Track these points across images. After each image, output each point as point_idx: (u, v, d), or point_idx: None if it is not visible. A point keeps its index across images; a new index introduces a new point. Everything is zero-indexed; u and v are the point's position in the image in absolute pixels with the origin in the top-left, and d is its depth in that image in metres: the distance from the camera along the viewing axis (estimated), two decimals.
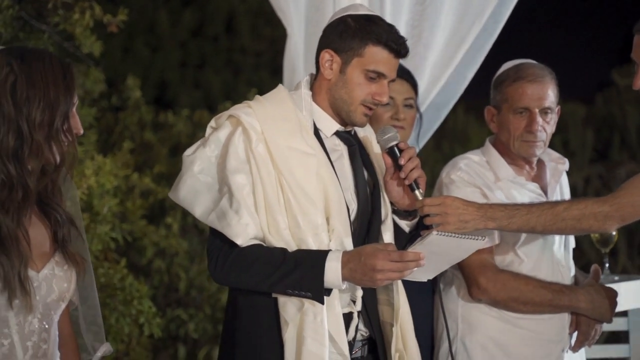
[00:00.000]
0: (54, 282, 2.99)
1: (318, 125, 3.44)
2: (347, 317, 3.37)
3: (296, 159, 3.32)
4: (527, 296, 3.88)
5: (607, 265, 4.27)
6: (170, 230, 6.72)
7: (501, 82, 4.03)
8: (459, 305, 3.98)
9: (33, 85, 2.90)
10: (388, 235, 3.46)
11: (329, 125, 3.46)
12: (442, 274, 3.94)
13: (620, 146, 10.20)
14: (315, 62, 3.48)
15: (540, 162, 4.10)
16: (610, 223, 3.62)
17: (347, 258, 3.23)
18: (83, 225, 3.16)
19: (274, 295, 3.32)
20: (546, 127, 3.98)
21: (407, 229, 3.53)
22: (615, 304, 3.96)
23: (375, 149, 3.55)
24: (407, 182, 3.42)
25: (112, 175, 5.52)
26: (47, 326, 3.00)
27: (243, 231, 3.28)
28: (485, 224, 3.56)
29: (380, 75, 3.39)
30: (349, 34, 3.39)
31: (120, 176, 5.82)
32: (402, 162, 3.40)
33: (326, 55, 3.43)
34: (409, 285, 3.53)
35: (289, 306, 3.29)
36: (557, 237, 4.00)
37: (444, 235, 3.30)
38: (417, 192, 3.42)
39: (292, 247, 3.29)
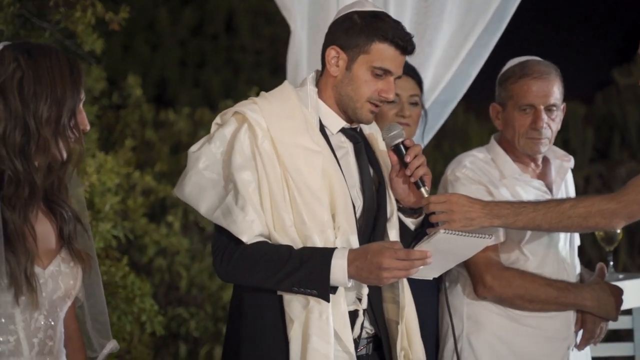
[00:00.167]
0: (60, 278, 2.99)
1: (324, 122, 3.43)
2: (353, 315, 3.36)
3: (302, 156, 3.31)
4: (533, 294, 3.87)
5: (611, 263, 4.26)
6: (172, 228, 6.71)
7: (506, 79, 4.02)
8: (465, 303, 3.97)
9: (40, 81, 2.90)
10: (393, 233, 3.46)
11: (335, 122, 3.45)
12: (447, 272, 3.93)
13: (620, 145, 10.20)
14: (321, 59, 3.47)
15: (546, 160, 4.09)
16: (617, 221, 3.61)
17: (353, 256, 3.22)
18: (89, 221, 3.14)
19: (279, 292, 3.31)
20: (551, 124, 3.97)
21: (412, 227, 3.52)
22: (620, 301, 3.95)
23: (380, 146, 3.54)
24: (412, 180, 3.41)
25: (113, 173, 5.52)
26: (53, 323, 2.99)
27: (248, 228, 3.27)
28: (491, 221, 3.56)
29: (386, 72, 3.38)
30: (355, 31, 3.38)
31: (121, 174, 5.81)
32: (407, 159, 3.39)
33: (332, 52, 3.41)
34: (414, 283, 3.52)
35: (294, 304, 3.28)
36: (562, 235, 3.99)
37: (451, 233, 3.29)
38: (422, 189, 3.41)
39: (297, 244, 3.28)
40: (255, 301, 3.35)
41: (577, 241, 4.11)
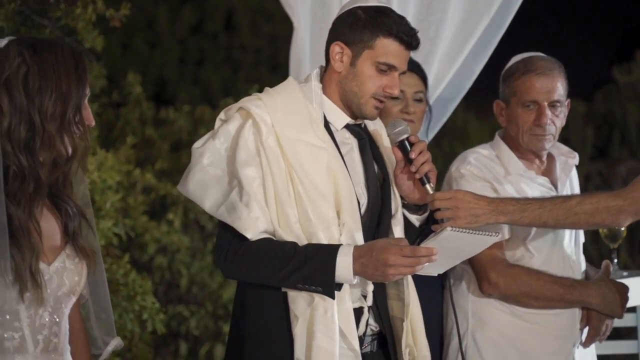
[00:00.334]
0: (64, 275, 2.97)
1: (328, 118, 3.42)
2: (358, 312, 3.36)
3: (307, 152, 3.30)
4: (539, 291, 3.86)
5: (615, 260, 4.25)
6: (172, 226, 6.69)
7: (510, 75, 4.01)
8: (469, 301, 3.96)
9: (45, 76, 2.88)
10: (398, 230, 3.44)
11: (339, 118, 3.43)
12: (451, 269, 3.92)
13: (620, 143, 10.19)
14: (325, 55, 3.46)
15: (550, 156, 4.08)
16: (624, 217, 3.60)
17: (358, 253, 3.21)
18: (93, 218, 3.13)
19: (283, 289, 3.29)
20: (555, 120, 3.96)
21: (417, 224, 3.51)
22: (626, 299, 3.94)
23: (385, 142, 3.53)
24: (417, 176, 3.40)
25: (114, 171, 5.50)
26: (57, 320, 2.97)
27: (253, 225, 3.25)
28: (497, 218, 3.55)
29: (391, 68, 3.36)
30: (359, 26, 3.37)
31: (122, 172, 5.80)
32: (412, 155, 3.38)
33: (336, 47, 3.40)
34: (418, 280, 3.51)
35: (299, 301, 3.27)
36: (567, 232, 3.98)
37: (457, 231, 3.28)
38: (427, 186, 3.40)
39: (302, 241, 3.26)
40: (259, 298, 3.34)
41: (582, 238, 4.10)
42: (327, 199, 3.28)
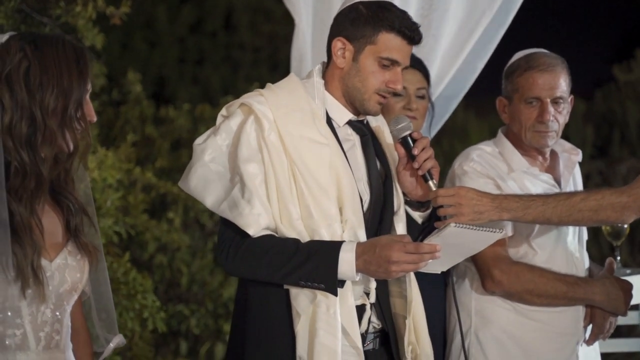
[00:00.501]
0: (66, 272, 2.96)
1: (330, 115, 3.40)
2: (360, 310, 3.34)
3: (309, 149, 3.28)
4: (542, 288, 3.84)
5: (618, 258, 4.23)
6: (172, 225, 6.67)
7: (512, 72, 3.99)
8: (472, 298, 3.94)
9: (46, 71, 2.86)
10: (401, 226, 3.43)
11: (342, 115, 3.42)
12: (454, 267, 3.91)
13: (620, 142, 10.18)
14: (327, 51, 3.44)
15: (553, 153, 4.06)
16: (628, 214, 3.58)
17: (361, 249, 3.19)
18: (95, 214, 3.11)
19: (285, 286, 3.28)
20: (558, 117, 3.94)
21: (419, 220, 3.50)
22: (630, 296, 3.92)
23: (387, 138, 3.52)
24: (420, 173, 3.39)
25: (114, 169, 5.48)
26: (59, 317, 2.96)
27: (255, 221, 3.24)
28: (500, 215, 3.53)
29: (394, 63, 3.35)
30: (361, 21, 3.35)
31: (122, 170, 5.78)
32: (415, 152, 3.36)
33: (338, 43, 3.38)
34: (421, 278, 3.49)
35: (301, 298, 3.26)
36: (571, 229, 3.96)
37: (461, 227, 3.27)
38: (430, 182, 3.39)
39: (304, 237, 3.25)
40: (261, 295, 3.33)
41: (585, 236, 4.08)
42: (330, 195, 3.27)
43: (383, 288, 3.40)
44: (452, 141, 9.83)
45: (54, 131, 2.87)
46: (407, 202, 3.47)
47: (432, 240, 3.24)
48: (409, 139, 3.38)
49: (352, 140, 3.43)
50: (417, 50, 4.07)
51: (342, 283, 3.23)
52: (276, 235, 3.27)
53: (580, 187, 4.11)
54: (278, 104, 3.32)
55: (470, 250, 3.46)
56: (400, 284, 3.45)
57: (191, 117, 7.45)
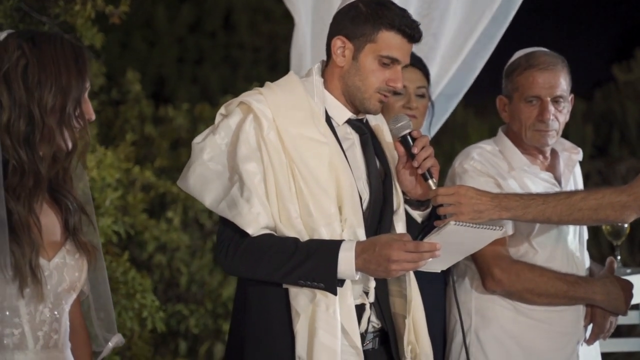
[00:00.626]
0: (65, 271, 2.95)
1: (330, 113, 3.39)
2: (359, 309, 3.33)
3: (308, 147, 3.27)
4: (542, 287, 3.83)
5: (618, 257, 4.22)
6: (171, 224, 6.67)
7: (512, 70, 3.98)
8: (473, 298, 3.93)
9: (45, 69, 2.85)
10: (400, 225, 3.42)
11: (341, 113, 3.41)
12: (455, 266, 3.91)
13: (619, 142, 10.18)
14: (327, 49, 3.43)
15: (554, 152, 4.05)
16: (628, 213, 3.57)
17: (361, 248, 3.18)
18: (94, 213, 3.10)
19: (285, 286, 3.26)
20: (558, 115, 3.93)
21: (419, 219, 3.49)
22: (630, 296, 3.91)
23: (387, 137, 3.51)
24: (420, 171, 3.37)
25: (113, 169, 5.47)
26: (58, 316, 2.95)
27: (254, 220, 3.23)
28: (500, 214, 3.52)
29: (394, 61, 3.34)
30: (361, 20, 3.34)
31: (121, 169, 5.77)
32: (415, 150, 3.35)
33: (338, 42, 3.37)
34: (421, 277, 3.48)
35: (300, 297, 3.24)
36: (571, 228, 3.95)
37: (461, 225, 3.25)
38: (430, 181, 3.38)
39: (304, 236, 3.24)
40: (260, 295, 3.31)
41: (586, 235, 4.07)
42: (329, 194, 3.26)
43: (382, 287, 3.39)
44: (452, 141, 9.83)
45: (52, 129, 2.86)
46: (406, 201, 3.46)
47: (432, 238, 3.22)
48: (408, 137, 3.37)
49: (352, 139, 3.42)
50: (417, 49, 4.06)
51: (341, 282, 3.21)
52: (275, 234, 3.25)
53: (580, 186, 4.10)
54: (277, 102, 3.30)
55: (470, 249, 3.45)
56: (399, 283, 3.44)
57: (190, 116, 7.45)
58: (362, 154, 3.42)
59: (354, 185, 3.31)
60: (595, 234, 7.61)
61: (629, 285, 3.93)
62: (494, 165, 3.94)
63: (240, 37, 11.19)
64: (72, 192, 3.01)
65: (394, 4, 3.39)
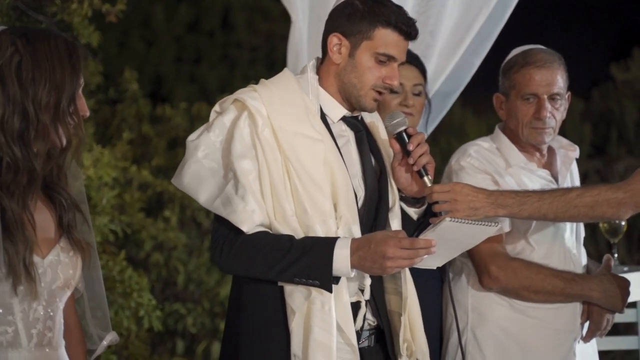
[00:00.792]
0: (59, 268, 2.94)
1: (324, 110, 3.38)
2: (355, 306, 3.32)
3: (303, 145, 3.26)
4: (539, 285, 3.83)
5: (615, 255, 4.22)
6: (169, 223, 6.66)
7: (509, 68, 3.98)
8: (469, 295, 3.92)
9: (38, 65, 2.84)
10: (396, 223, 3.41)
11: (336, 111, 3.40)
12: (451, 264, 3.90)
13: (617, 141, 10.18)
14: (322, 47, 3.42)
15: (551, 149, 4.05)
16: (624, 210, 3.57)
17: (356, 245, 3.17)
18: (88, 211, 3.09)
19: (280, 283, 3.25)
20: (555, 113, 3.93)
21: (415, 217, 3.48)
22: (627, 293, 3.91)
23: (382, 135, 3.50)
24: (415, 168, 3.37)
25: (110, 167, 5.46)
26: (52, 314, 2.94)
27: (249, 218, 3.22)
28: (496, 211, 3.52)
29: (390, 59, 3.33)
30: (357, 17, 3.33)
31: (118, 167, 5.76)
32: (410, 147, 3.34)
33: (334, 39, 3.36)
34: (417, 275, 3.47)
35: (295, 295, 3.23)
36: (568, 226, 3.95)
37: (456, 221, 3.25)
38: (425, 178, 3.37)
39: (299, 234, 3.23)
40: (255, 293, 3.31)
41: (582, 232, 4.07)
42: (324, 191, 3.25)
43: (378, 285, 3.38)
44: (449, 139, 9.83)
45: (46, 126, 2.85)
46: (402, 199, 3.45)
47: (428, 235, 3.22)
48: (404, 134, 3.36)
49: (347, 136, 3.41)
50: (414, 47, 4.05)
51: (337, 279, 3.21)
52: (270, 232, 3.24)
53: (577, 183, 4.10)
54: (272, 99, 3.30)
55: (466, 245, 3.44)
56: (395, 280, 3.43)
57: (188, 115, 7.44)
58: (357, 151, 3.41)
59: (349, 182, 3.30)
60: (592, 232, 7.60)
61: (626, 283, 3.92)
62: (491, 163, 3.93)
63: (238, 37, 11.17)
64: (67, 190, 3.00)
65: (390, 1, 3.38)
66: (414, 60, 4.09)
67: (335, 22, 3.38)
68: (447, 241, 3.27)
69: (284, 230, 3.23)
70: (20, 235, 2.82)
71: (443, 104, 4.66)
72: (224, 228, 3.27)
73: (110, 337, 3.20)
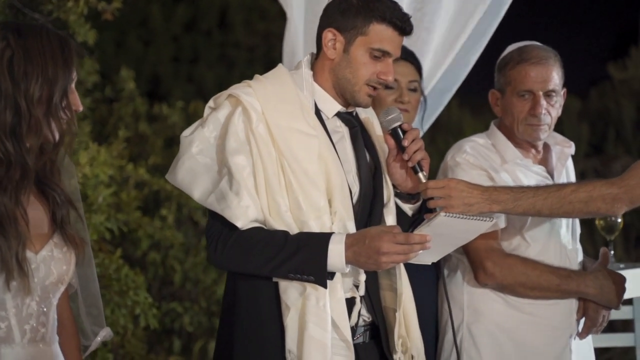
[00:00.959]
0: (52, 264, 2.93)
1: (319, 106, 3.38)
2: (350, 302, 3.31)
3: (297, 140, 3.26)
4: (535, 281, 3.82)
5: (612, 252, 4.21)
6: (165, 222, 6.65)
7: (505, 64, 3.97)
8: (464, 292, 3.92)
9: (31, 60, 2.83)
10: (390, 219, 3.40)
11: (330, 106, 3.39)
12: (446, 260, 3.90)
13: (615, 140, 10.18)
14: (317, 42, 3.41)
15: (546, 146, 4.04)
16: (619, 205, 3.56)
17: (351, 241, 3.17)
18: (82, 205, 3.08)
19: (274, 279, 3.25)
20: (551, 110, 3.92)
21: (410, 212, 3.48)
22: (623, 290, 3.90)
23: (377, 130, 3.49)
24: (410, 164, 3.36)
25: (106, 166, 5.46)
26: (45, 309, 2.93)
27: (243, 213, 3.21)
28: (490, 207, 3.51)
29: (385, 54, 3.32)
30: (352, 12, 3.32)
31: (115, 166, 5.76)
32: (405, 143, 3.34)
33: (329, 34, 3.36)
34: (412, 271, 3.47)
35: (290, 290, 3.23)
36: (564, 222, 3.95)
37: (451, 216, 3.25)
38: (420, 174, 3.37)
39: (293, 229, 3.22)
40: (249, 289, 3.30)
41: (578, 229, 4.06)
42: (319, 187, 3.24)
43: (373, 281, 3.38)
44: (447, 139, 9.83)
45: (39, 120, 2.84)
46: (397, 195, 3.45)
47: (422, 230, 3.21)
48: (399, 130, 3.35)
49: (341, 132, 3.41)
50: (410, 44, 4.05)
51: (331, 275, 3.20)
52: (265, 227, 3.24)
53: (573, 179, 4.09)
54: (266, 95, 3.29)
55: (461, 240, 3.44)
56: (390, 276, 3.42)
57: (185, 114, 7.43)
58: (351, 147, 3.40)
59: (344, 178, 3.30)
60: (590, 231, 7.60)
61: (622, 279, 3.92)
62: (486, 159, 3.92)
63: (236, 36, 11.16)
64: (60, 185, 2.99)
65: None
66: (409, 56, 4.08)
67: (330, 18, 3.37)
68: (442, 236, 3.26)
69: (279, 225, 3.22)
70: (12, 231, 2.81)
71: (439, 101, 4.65)
72: (218, 224, 3.27)
73: (104, 333, 3.20)
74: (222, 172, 3.25)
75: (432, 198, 3.41)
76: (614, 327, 4.94)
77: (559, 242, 3.93)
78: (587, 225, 6.63)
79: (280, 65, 3.44)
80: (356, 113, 3.46)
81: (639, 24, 10.59)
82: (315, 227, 3.22)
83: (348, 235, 3.18)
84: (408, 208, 3.46)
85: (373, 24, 3.31)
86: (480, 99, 4.11)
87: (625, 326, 5.49)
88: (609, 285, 3.88)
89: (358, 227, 3.29)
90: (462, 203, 3.45)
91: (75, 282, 3.10)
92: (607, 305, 3.91)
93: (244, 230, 3.21)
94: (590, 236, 7.86)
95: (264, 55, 11.09)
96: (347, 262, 3.17)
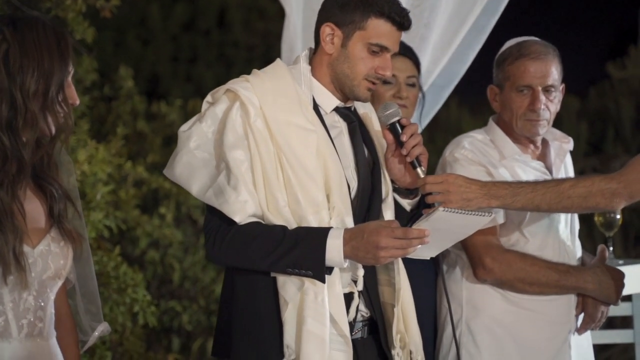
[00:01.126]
0: (49, 258, 2.92)
1: (317, 101, 3.37)
2: (348, 297, 3.30)
3: (296, 135, 3.25)
4: (534, 277, 3.81)
5: (611, 249, 4.20)
6: (164, 220, 6.64)
7: (503, 60, 3.97)
8: (463, 287, 3.91)
9: (27, 53, 2.83)
10: (389, 214, 3.40)
11: (329, 101, 3.38)
12: (445, 256, 3.89)
13: (614, 139, 10.17)
14: (315, 37, 3.41)
15: (545, 142, 4.04)
16: (618, 200, 3.56)
17: (349, 235, 3.16)
18: (79, 200, 3.07)
19: (273, 274, 3.24)
20: (549, 105, 3.92)
21: (408, 208, 3.47)
22: (622, 285, 3.90)
23: (375, 125, 3.48)
24: (408, 159, 3.35)
25: (104, 164, 5.45)
26: (42, 304, 2.92)
27: (241, 208, 3.20)
28: (489, 202, 3.50)
29: (383, 49, 3.31)
30: (350, 7, 3.31)
31: (113, 164, 5.75)
32: (404, 138, 3.33)
33: (327, 29, 3.35)
34: (410, 267, 3.46)
35: (288, 285, 3.22)
36: (562, 218, 3.94)
37: (449, 211, 3.24)
38: (419, 169, 3.36)
39: (291, 224, 3.21)
40: (247, 284, 3.29)
41: (577, 224, 4.05)
42: (317, 182, 3.23)
43: (371, 276, 3.37)
44: (446, 138, 9.81)
45: (35, 114, 2.83)
46: (395, 190, 3.44)
47: (421, 225, 3.20)
48: (397, 125, 3.34)
49: (339, 127, 3.40)
50: (409, 40, 4.04)
51: (329, 270, 3.19)
52: (263, 222, 3.23)
53: (571, 175, 4.08)
54: (264, 90, 3.28)
55: (459, 235, 3.43)
56: (388, 272, 3.41)
57: (183, 112, 7.42)
58: (350, 142, 3.40)
59: (342, 173, 3.29)
60: (589, 228, 7.59)
61: (621, 275, 3.91)
62: (485, 154, 3.92)
63: (235, 36, 11.16)
64: (57, 179, 2.98)
65: None
66: (407, 52, 4.08)
67: (328, 12, 3.36)
68: (441, 231, 3.25)
69: (277, 220, 3.21)
70: (9, 225, 2.81)
71: (437, 97, 4.64)
72: (216, 219, 3.26)
73: (102, 328, 3.19)
74: (220, 167, 3.24)
75: (430, 193, 3.41)
76: (613, 324, 4.93)
77: (558, 238, 3.93)
78: (587, 223, 6.62)
79: (278, 60, 3.43)
80: (354, 108, 3.45)
81: (638, 23, 10.57)
82: (313, 222, 3.21)
83: (346, 230, 3.17)
84: (406, 203, 3.45)
85: (371, 18, 3.30)
86: (479, 98, 4.10)
87: (624, 323, 5.48)
88: (608, 281, 3.87)
89: (356, 222, 3.28)
90: (461, 198, 3.44)
91: (72, 277, 3.09)
92: (605, 301, 3.91)
93: (242, 225, 3.20)
94: (589, 233, 7.85)
95: (263, 54, 11.08)
96: (346, 256, 3.16)
